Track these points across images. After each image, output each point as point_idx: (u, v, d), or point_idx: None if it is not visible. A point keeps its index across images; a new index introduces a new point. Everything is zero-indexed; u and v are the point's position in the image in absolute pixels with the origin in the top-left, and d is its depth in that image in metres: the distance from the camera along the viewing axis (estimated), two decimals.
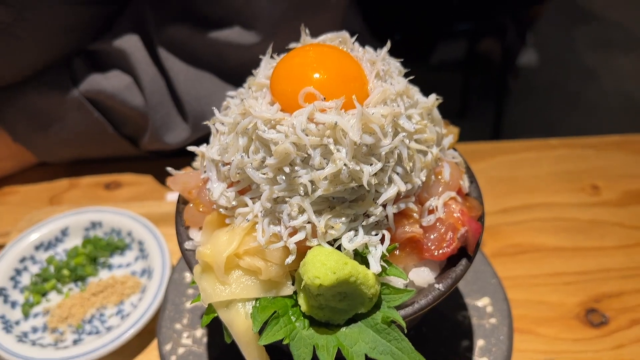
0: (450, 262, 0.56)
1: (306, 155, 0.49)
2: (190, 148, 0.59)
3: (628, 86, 3.25)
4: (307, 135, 0.48)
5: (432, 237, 0.54)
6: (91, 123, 0.98)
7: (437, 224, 0.54)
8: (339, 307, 0.50)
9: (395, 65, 0.57)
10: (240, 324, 0.51)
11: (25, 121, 0.99)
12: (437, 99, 0.57)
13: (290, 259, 0.50)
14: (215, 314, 0.53)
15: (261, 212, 0.51)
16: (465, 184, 0.59)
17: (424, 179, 0.53)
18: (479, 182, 1.03)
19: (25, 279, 0.85)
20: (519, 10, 2.63)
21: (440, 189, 0.55)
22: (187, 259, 0.56)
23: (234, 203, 0.53)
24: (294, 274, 0.52)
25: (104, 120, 0.98)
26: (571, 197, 1.02)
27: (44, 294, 0.83)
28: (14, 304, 0.82)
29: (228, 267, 0.52)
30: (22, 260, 0.86)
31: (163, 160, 1.09)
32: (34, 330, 0.79)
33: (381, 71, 0.54)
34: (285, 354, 0.55)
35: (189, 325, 0.74)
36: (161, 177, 1.06)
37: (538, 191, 1.03)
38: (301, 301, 0.51)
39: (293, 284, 0.52)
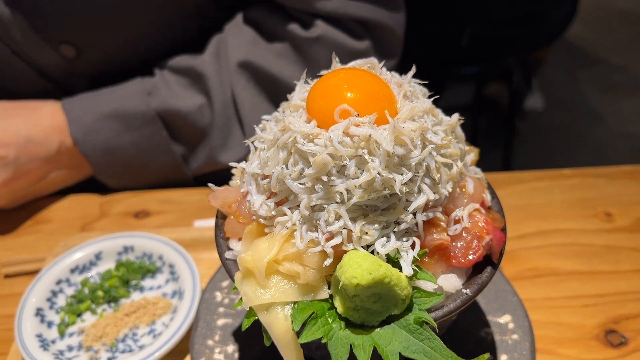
0: (476, 271, 0.60)
1: (342, 166, 0.53)
2: (232, 164, 0.63)
3: (634, 128, 3.30)
4: (343, 147, 0.52)
5: (458, 245, 0.57)
6: (155, 140, 1.05)
7: (463, 233, 0.57)
8: (373, 309, 0.53)
9: (419, 88, 0.61)
10: (280, 325, 0.54)
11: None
12: (459, 119, 0.61)
13: (328, 262, 0.53)
14: (256, 317, 0.56)
15: (299, 220, 0.55)
16: (487, 197, 0.63)
17: (450, 190, 0.57)
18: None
19: (61, 300, 0.88)
20: (524, 54, 2.71)
21: (465, 200, 0.59)
22: (228, 267, 0.60)
23: (273, 213, 0.57)
24: (330, 279, 0.56)
25: (169, 139, 1.06)
26: (585, 223, 1.05)
27: (78, 315, 0.87)
28: (50, 324, 0.85)
29: (268, 272, 0.55)
30: (58, 282, 0.90)
31: (189, 188, 1.14)
32: (70, 348, 0.82)
33: (408, 92, 0.59)
34: None
35: (220, 342, 0.77)
36: (188, 206, 1.10)
37: (552, 217, 1.06)
38: (337, 303, 0.54)
39: (329, 289, 0.56)
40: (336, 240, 0.53)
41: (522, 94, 3.38)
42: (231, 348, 0.76)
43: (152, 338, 0.83)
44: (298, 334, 0.54)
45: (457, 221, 0.58)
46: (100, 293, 0.87)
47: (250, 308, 0.56)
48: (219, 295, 0.83)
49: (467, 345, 0.76)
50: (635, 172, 1.16)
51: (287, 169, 0.55)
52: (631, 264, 0.97)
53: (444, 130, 0.58)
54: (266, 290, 0.55)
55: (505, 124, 3.03)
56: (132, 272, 0.90)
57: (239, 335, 0.78)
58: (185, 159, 1.13)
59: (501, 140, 2.89)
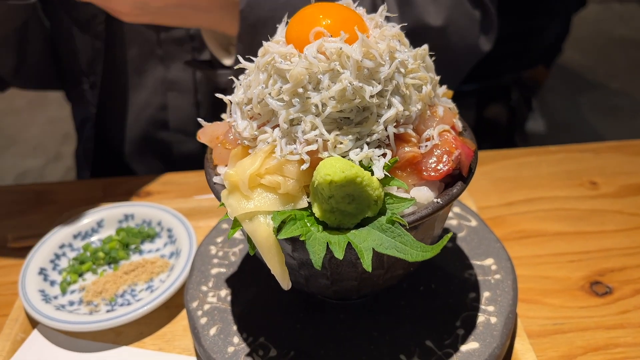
0: (447, 188, 0.63)
1: (317, 82, 0.58)
2: (218, 95, 0.68)
3: None
4: (317, 61, 0.57)
5: (429, 160, 0.61)
6: None
7: (434, 149, 0.61)
8: (348, 210, 0.57)
9: (392, 24, 0.67)
10: (262, 231, 0.58)
11: None
12: (429, 51, 0.66)
13: (304, 167, 0.57)
14: (240, 227, 0.59)
15: (279, 135, 0.59)
16: (458, 124, 0.67)
17: (419, 107, 0.61)
18: (484, 183, 1.11)
19: (64, 263, 0.92)
20: (520, 71, 2.78)
21: (435, 122, 0.63)
22: (215, 190, 0.64)
23: (256, 133, 0.61)
24: (309, 191, 0.60)
25: None
26: (571, 191, 1.08)
27: (80, 274, 0.90)
28: (52, 283, 0.89)
29: (251, 185, 0.59)
30: (62, 246, 0.94)
31: (189, 171, 1.19)
32: (71, 303, 0.86)
33: (379, 22, 0.64)
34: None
35: (214, 287, 0.80)
36: (188, 187, 1.15)
37: (540, 187, 1.09)
38: (315, 208, 0.58)
39: (308, 198, 0.59)
40: (312, 147, 0.57)
41: (523, 115, 3.43)
42: (224, 292, 0.80)
43: (150, 293, 0.86)
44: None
45: (427, 139, 0.62)
46: (101, 254, 0.91)
47: (235, 218, 0.59)
48: (213, 249, 0.86)
49: (450, 287, 0.79)
50: (619, 146, 1.19)
51: (267, 88, 0.60)
52: (615, 224, 1.00)
53: (413, 56, 0.63)
54: (249, 201, 0.59)
55: (507, 143, 3.07)
56: (132, 236, 0.94)
57: (231, 281, 0.81)
58: None
59: None
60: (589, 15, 4.51)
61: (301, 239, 0.56)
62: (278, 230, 0.57)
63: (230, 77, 0.68)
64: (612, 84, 4.16)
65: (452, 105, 0.69)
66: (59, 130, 3.93)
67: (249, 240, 0.60)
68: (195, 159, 1.29)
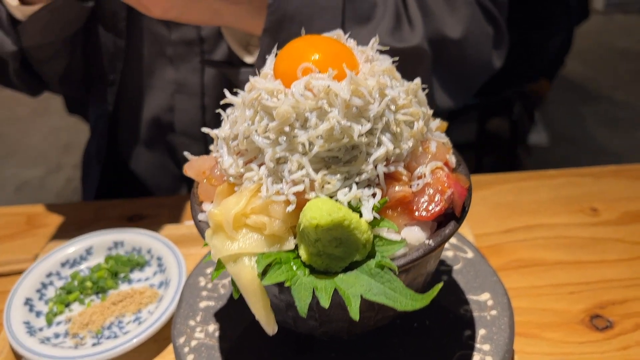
0: (440, 227, 0.61)
1: (304, 119, 0.56)
2: (205, 130, 0.66)
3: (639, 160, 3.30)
4: (304, 99, 0.55)
5: (421, 199, 0.59)
6: None
7: (426, 188, 0.59)
8: (335, 254, 0.55)
9: (383, 56, 0.65)
10: (246, 274, 0.56)
11: None
12: (422, 85, 0.64)
13: (290, 208, 0.55)
14: (224, 269, 0.57)
15: (265, 174, 0.57)
16: (452, 159, 0.65)
17: (411, 145, 0.59)
18: (482, 209, 1.09)
19: (51, 292, 0.90)
20: (522, 84, 2.76)
21: (428, 159, 0.61)
22: (200, 228, 0.62)
23: (242, 170, 0.59)
24: (295, 231, 0.58)
25: None
26: (571, 218, 1.06)
27: (67, 305, 0.88)
28: (38, 314, 0.87)
29: (236, 225, 0.57)
30: (49, 275, 0.92)
31: (183, 195, 1.17)
32: (56, 335, 0.84)
33: (370, 56, 0.62)
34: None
35: (202, 322, 0.78)
36: (180, 211, 1.13)
37: (539, 213, 1.07)
38: (301, 251, 0.55)
39: (295, 240, 0.57)
40: (298, 188, 0.55)
41: (526, 128, 3.41)
42: (212, 327, 0.77)
43: (138, 325, 0.84)
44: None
45: (419, 177, 0.60)
46: (88, 284, 0.89)
47: (219, 260, 0.57)
48: (202, 280, 0.84)
49: (445, 322, 0.76)
50: (620, 170, 1.17)
51: (253, 124, 0.58)
52: (617, 253, 0.97)
53: (405, 91, 0.61)
54: (234, 242, 0.57)
55: (510, 158, 3.05)
56: (121, 265, 0.92)
57: (220, 316, 0.79)
58: None
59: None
60: (592, 27, 4.49)
61: (286, 284, 0.54)
62: (263, 274, 0.55)
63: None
64: (615, 96, 4.14)
65: (445, 139, 0.66)
66: (61, 140, 3.93)
67: (233, 283, 0.58)
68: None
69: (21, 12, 0.99)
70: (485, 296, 0.79)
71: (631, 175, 1.15)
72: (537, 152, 3.49)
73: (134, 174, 1.37)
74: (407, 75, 0.65)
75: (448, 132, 0.69)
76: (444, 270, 0.84)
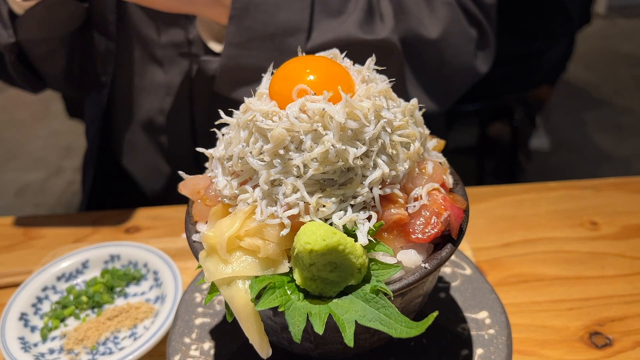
0: (437, 249, 0.60)
1: (300, 142, 0.55)
2: (200, 149, 0.66)
3: None
4: (299, 122, 0.55)
5: (417, 222, 0.58)
6: None
7: (422, 210, 0.59)
8: (330, 278, 0.54)
9: (380, 76, 0.64)
10: (240, 298, 0.55)
11: None
12: (418, 104, 0.64)
13: (285, 232, 0.54)
14: (217, 292, 0.57)
15: (260, 196, 0.57)
16: (449, 180, 0.64)
17: (407, 167, 0.59)
18: (481, 222, 1.08)
19: (46, 307, 0.90)
20: (522, 91, 2.75)
21: (424, 180, 0.61)
22: (194, 249, 0.61)
23: (236, 192, 0.59)
24: (290, 254, 0.57)
25: None
26: (571, 232, 1.05)
27: (62, 320, 0.88)
28: (33, 329, 0.86)
29: (230, 248, 0.56)
30: (44, 289, 0.91)
31: (179, 205, 1.16)
32: (51, 351, 0.83)
33: (366, 76, 0.61)
34: None
35: (197, 339, 0.77)
36: (177, 222, 1.12)
37: (538, 227, 1.06)
38: (296, 275, 0.55)
39: (289, 263, 0.57)
40: (293, 211, 0.55)
41: (527, 133, 3.40)
42: (207, 345, 0.77)
43: (133, 341, 0.83)
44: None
45: (415, 199, 0.59)
46: (84, 298, 0.89)
47: (213, 283, 0.57)
48: (198, 297, 0.84)
49: (442, 342, 0.76)
50: (620, 183, 1.16)
51: (248, 146, 0.57)
52: (616, 269, 0.96)
53: (402, 111, 0.60)
54: (228, 265, 0.56)
55: (511, 163, 3.04)
56: (117, 279, 0.92)
57: (215, 333, 0.79)
58: None
59: (507, 180, 2.90)
60: (594, 32, 4.49)
61: (280, 309, 0.53)
62: (257, 298, 0.54)
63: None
64: (618, 101, 4.13)
65: (442, 159, 0.66)
66: (61, 143, 3.93)
67: (227, 306, 0.57)
68: (190, 164, 1.28)
69: (20, 7, 1.02)
70: (483, 314, 0.79)
71: (632, 189, 1.14)
72: (537, 158, 3.47)
73: (128, 176, 1.37)
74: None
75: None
76: (441, 287, 0.84)
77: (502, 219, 1.09)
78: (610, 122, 3.85)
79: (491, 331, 0.76)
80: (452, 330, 0.77)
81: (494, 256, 1.00)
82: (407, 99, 0.65)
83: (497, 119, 3.30)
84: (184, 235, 1.03)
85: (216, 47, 1.10)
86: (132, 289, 0.93)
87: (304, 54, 0.65)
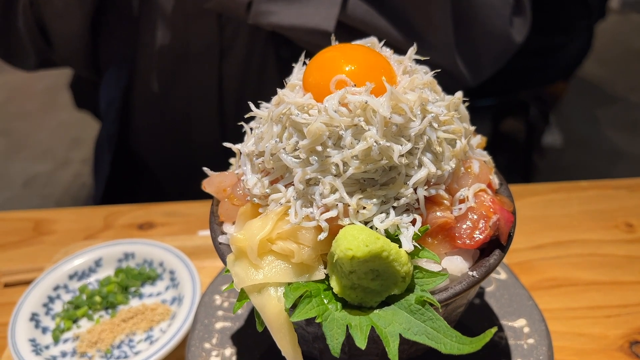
0: (483, 256, 0.56)
1: (338, 137, 0.51)
2: (227, 144, 0.61)
3: None
4: (339, 116, 0.50)
5: (464, 225, 0.54)
6: None
7: (469, 213, 0.54)
8: (371, 287, 0.49)
9: (421, 67, 0.59)
10: (272, 307, 0.51)
11: None
12: (463, 98, 0.59)
13: (322, 236, 0.50)
14: (247, 300, 0.52)
15: (294, 196, 0.52)
16: (495, 180, 0.60)
17: (453, 166, 0.54)
18: None
19: (58, 307, 0.86)
20: (538, 87, 2.70)
21: (470, 180, 0.56)
22: (220, 252, 0.57)
23: (267, 191, 0.54)
24: (326, 259, 0.52)
25: None
26: (605, 234, 1.00)
27: (74, 321, 0.84)
28: (45, 330, 0.82)
29: (261, 252, 0.52)
30: (56, 288, 0.87)
31: (194, 201, 1.12)
32: (63, 354, 0.79)
33: (408, 67, 0.57)
34: None
35: (218, 345, 0.73)
36: (192, 218, 1.08)
37: (570, 228, 1.01)
38: (333, 283, 0.50)
39: (325, 269, 0.52)
40: (331, 214, 0.50)
41: (540, 129, 3.34)
42: (229, 351, 0.73)
43: (149, 344, 0.79)
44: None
45: (461, 201, 0.55)
46: (97, 299, 0.85)
47: (242, 290, 0.53)
48: (218, 299, 0.79)
49: (479, 352, 0.71)
50: None
51: (282, 142, 0.53)
52: None
53: (447, 106, 0.56)
54: (259, 271, 0.52)
55: (523, 158, 2.99)
56: (132, 279, 0.88)
57: (237, 338, 0.74)
58: None
59: (520, 177, 2.85)
60: (608, 27, 4.40)
61: (317, 320, 0.49)
62: (291, 308, 0.50)
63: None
64: (632, 97, 4.06)
65: (487, 158, 0.61)
66: (69, 134, 3.89)
67: (257, 314, 0.53)
68: (215, 159, 1.26)
69: None
70: (521, 322, 0.74)
71: None
72: (550, 154, 3.42)
73: (145, 164, 1.33)
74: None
75: None
76: (476, 292, 0.79)
77: (532, 220, 1.04)
78: (624, 119, 3.78)
79: (530, 341, 0.71)
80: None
81: (525, 259, 0.95)
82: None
83: (511, 115, 3.24)
84: (201, 233, 0.99)
85: None
86: (147, 289, 0.89)
87: (337, 43, 0.61)
